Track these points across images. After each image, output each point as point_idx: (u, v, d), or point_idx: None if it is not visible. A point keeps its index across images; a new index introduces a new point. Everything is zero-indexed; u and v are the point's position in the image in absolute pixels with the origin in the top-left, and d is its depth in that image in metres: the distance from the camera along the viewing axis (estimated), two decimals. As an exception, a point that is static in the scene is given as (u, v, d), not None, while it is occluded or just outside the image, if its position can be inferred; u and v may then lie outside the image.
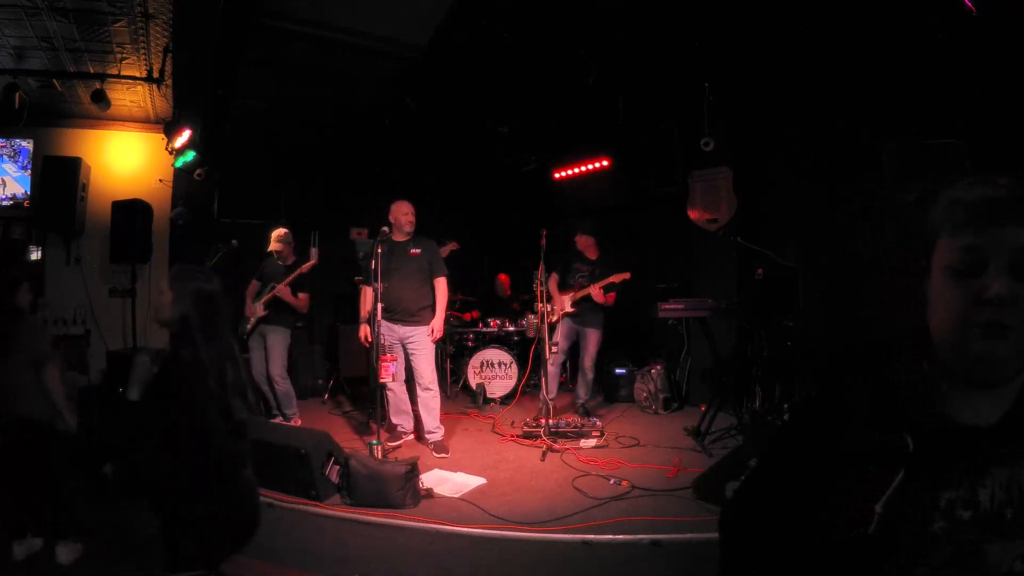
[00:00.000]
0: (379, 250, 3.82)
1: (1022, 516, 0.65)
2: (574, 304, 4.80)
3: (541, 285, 4.45)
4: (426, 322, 4.11)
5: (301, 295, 4.66)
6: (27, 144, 5.49)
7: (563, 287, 4.92)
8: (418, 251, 4.18)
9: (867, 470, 0.74)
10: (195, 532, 1.78)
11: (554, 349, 4.66)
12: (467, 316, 6.51)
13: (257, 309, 4.64)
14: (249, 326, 4.71)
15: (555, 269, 4.95)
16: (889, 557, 0.70)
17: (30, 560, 2.84)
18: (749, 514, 0.91)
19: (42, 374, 2.82)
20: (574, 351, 5.04)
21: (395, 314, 4.03)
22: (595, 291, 4.65)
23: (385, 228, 4.01)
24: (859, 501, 0.72)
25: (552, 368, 4.78)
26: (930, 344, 0.76)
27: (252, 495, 1.95)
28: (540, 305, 4.45)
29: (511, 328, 6.08)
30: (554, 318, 4.80)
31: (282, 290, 4.54)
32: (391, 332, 4.05)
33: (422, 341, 4.10)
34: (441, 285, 4.18)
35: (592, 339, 4.86)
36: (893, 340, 0.83)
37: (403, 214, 4.18)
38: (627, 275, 4.59)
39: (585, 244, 4.97)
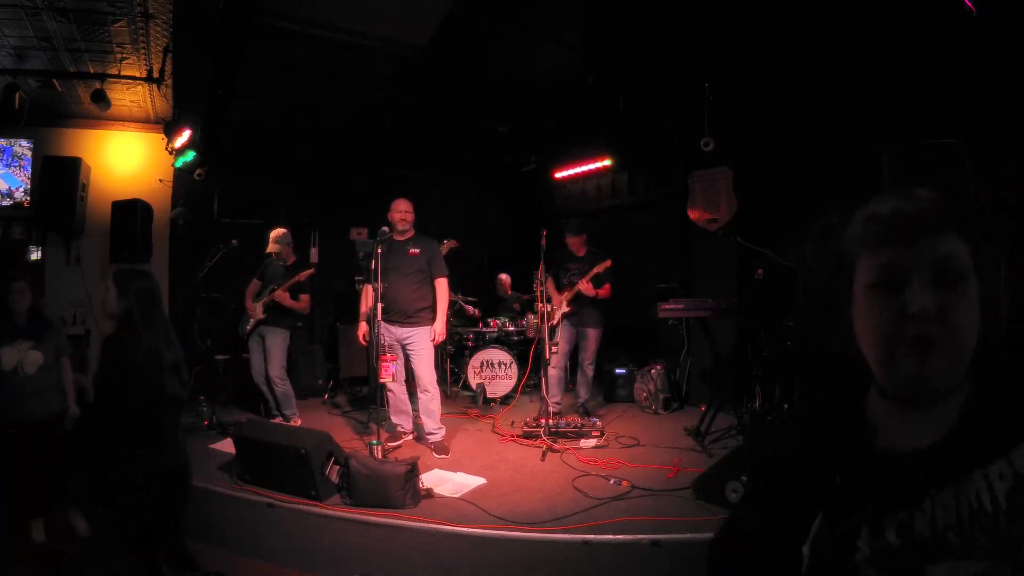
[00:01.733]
0: (379, 250, 3.81)
1: (970, 535, 0.62)
2: (569, 304, 4.79)
3: (541, 285, 4.45)
4: (424, 323, 4.06)
5: (302, 296, 4.66)
6: (9, 144, 5.48)
7: (559, 288, 4.92)
8: (417, 251, 4.10)
9: (803, 509, 0.73)
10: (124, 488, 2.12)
11: (554, 349, 4.66)
12: (469, 310, 6.49)
13: (256, 310, 4.64)
14: (249, 327, 4.71)
15: (550, 271, 4.97)
16: None
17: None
18: (728, 555, 0.91)
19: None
20: (574, 352, 5.04)
21: (392, 315, 3.97)
22: (583, 286, 4.65)
23: (385, 228, 3.99)
24: (796, 543, 0.72)
25: (554, 371, 4.77)
26: (867, 369, 0.74)
27: (182, 462, 2.29)
28: (540, 305, 4.45)
29: (511, 328, 6.08)
30: (554, 321, 4.80)
31: (281, 295, 4.54)
32: (389, 333, 4.01)
33: (421, 343, 4.05)
34: (442, 286, 4.11)
35: (591, 337, 4.86)
36: (835, 364, 0.81)
37: (397, 212, 4.11)
38: (608, 263, 4.62)
39: (574, 243, 4.95)
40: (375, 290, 3.80)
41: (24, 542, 3.07)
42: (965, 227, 0.69)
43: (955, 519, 0.63)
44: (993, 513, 0.61)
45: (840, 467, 0.74)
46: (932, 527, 0.64)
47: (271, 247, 4.75)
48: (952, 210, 0.70)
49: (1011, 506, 0.60)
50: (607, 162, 6.21)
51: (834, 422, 0.79)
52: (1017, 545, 0.59)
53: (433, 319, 4.08)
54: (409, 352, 4.09)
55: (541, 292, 4.44)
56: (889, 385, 0.71)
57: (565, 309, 4.81)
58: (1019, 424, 0.65)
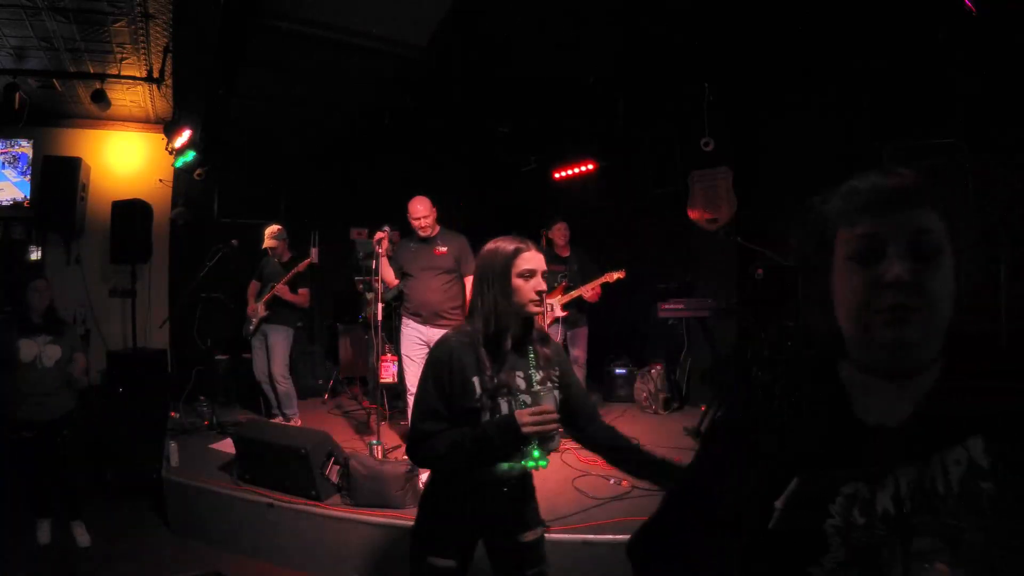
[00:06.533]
0: (379, 251, 3.81)
1: (928, 518, 0.63)
2: (564, 307, 4.67)
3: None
4: (458, 321, 4.02)
5: (301, 291, 4.65)
6: (25, 150, 5.48)
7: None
8: (444, 249, 3.97)
9: (778, 471, 0.74)
10: None
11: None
12: None
13: (259, 309, 4.64)
14: (252, 326, 4.71)
15: None
16: (786, 553, 0.70)
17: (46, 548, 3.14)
18: (675, 512, 0.94)
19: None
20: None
21: (422, 317, 3.88)
22: (589, 294, 4.55)
23: (386, 228, 3.95)
24: (767, 499, 0.72)
25: None
26: (843, 341, 0.75)
27: None
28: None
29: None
30: (545, 325, 4.75)
31: (281, 289, 4.54)
32: (419, 333, 3.89)
33: None
34: (470, 284, 4.04)
35: (582, 336, 4.86)
36: (811, 340, 0.83)
37: (413, 220, 3.95)
38: (622, 273, 4.51)
39: (560, 238, 4.83)
40: (375, 291, 3.82)
41: (27, 543, 3.08)
42: (943, 204, 0.71)
43: (915, 499, 0.65)
44: (944, 496, 0.63)
45: (817, 434, 0.74)
46: (895, 505, 0.66)
47: (267, 243, 4.74)
48: (930, 187, 0.71)
49: (962, 491, 0.62)
50: (607, 162, 6.20)
51: (811, 389, 0.80)
52: (959, 531, 0.61)
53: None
54: None
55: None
56: (865, 356, 0.72)
57: (560, 313, 4.69)
58: (976, 414, 0.66)
